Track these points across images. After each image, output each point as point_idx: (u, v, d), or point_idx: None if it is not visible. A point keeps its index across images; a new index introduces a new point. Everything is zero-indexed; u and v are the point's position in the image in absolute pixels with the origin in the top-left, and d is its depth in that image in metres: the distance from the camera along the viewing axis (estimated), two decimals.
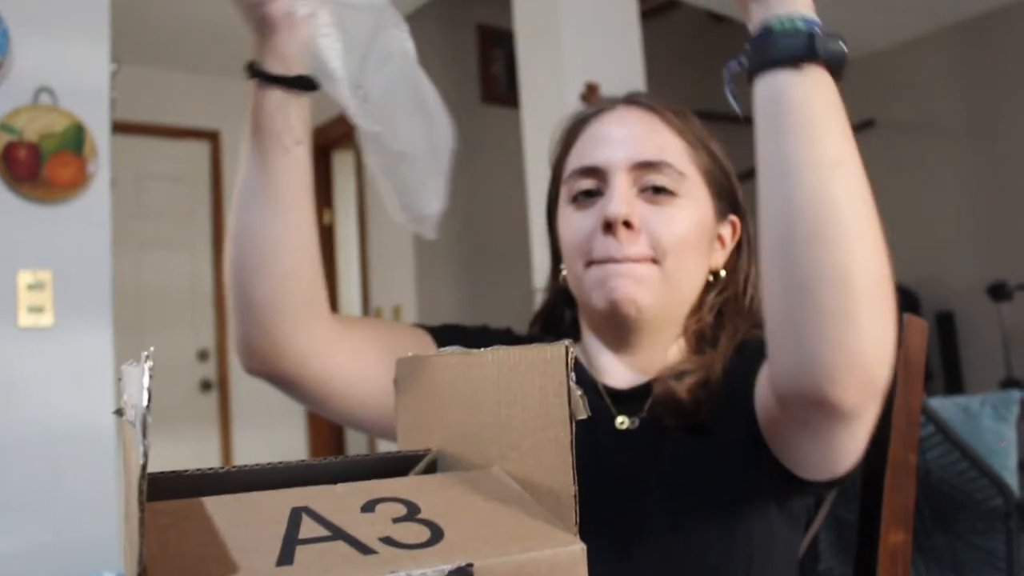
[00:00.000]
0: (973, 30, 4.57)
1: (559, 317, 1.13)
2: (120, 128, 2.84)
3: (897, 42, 4.87)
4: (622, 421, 0.99)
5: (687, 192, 0.97)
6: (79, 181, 2.34)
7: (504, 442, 0.54)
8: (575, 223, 1.00)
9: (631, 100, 1.03)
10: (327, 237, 5.44)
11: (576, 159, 1.02)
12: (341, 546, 0.41)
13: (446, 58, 4.54)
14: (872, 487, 1.00)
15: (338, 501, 0.46)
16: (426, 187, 0.88)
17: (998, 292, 4.08)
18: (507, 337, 1.10)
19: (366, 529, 0.43)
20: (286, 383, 0.95)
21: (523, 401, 0.52)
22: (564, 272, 1.05)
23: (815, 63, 0.70)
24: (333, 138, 5.19)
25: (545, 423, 0.50)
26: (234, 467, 0.53)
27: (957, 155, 4.63)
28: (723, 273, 1.04)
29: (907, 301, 4.43)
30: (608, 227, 0.94)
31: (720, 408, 0.93)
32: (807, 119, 0.70)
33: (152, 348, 0.38)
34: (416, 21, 4.45)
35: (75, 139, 2.34)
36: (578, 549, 0.44)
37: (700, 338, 1.02)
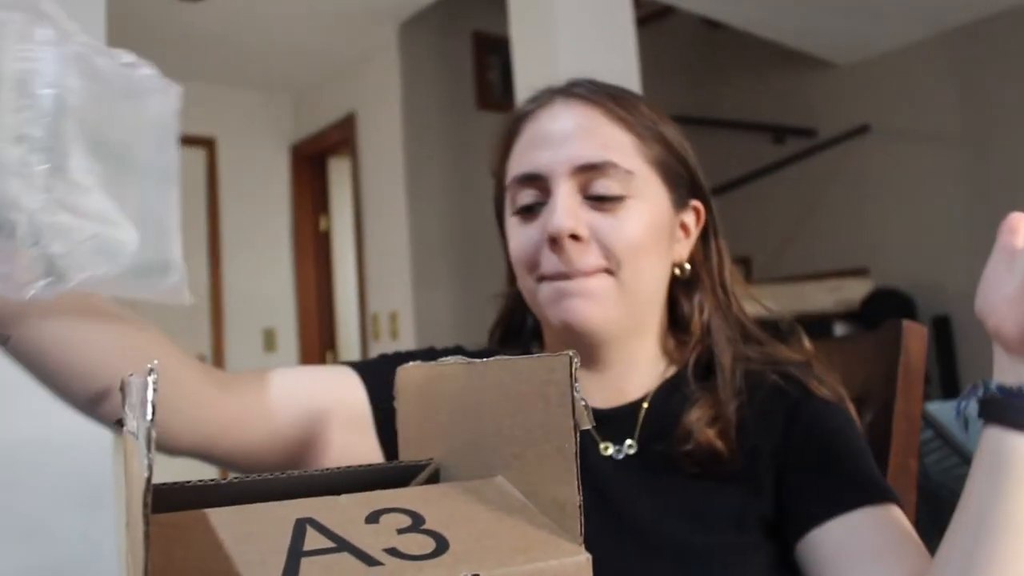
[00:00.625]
0: (967, 36, 4.59)
1: (519, 325, 1.06)
2: None
3: (891, 48, 4.88)
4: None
5: (637, 191, 0.90)
6: None
7: (507, 452, 0.54)
8: (521, 236, 0.93)
9: (570, 92, 0.94)
10: (323, 244, 5.44)
11: (515, 165, 0.94)
12: (346, 558, 0.41)
13: (442, 65, 4.54)
14: None
15: (342, 512, 0.46)
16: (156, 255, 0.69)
17: None
18: (458, 354, 1.00)
19: (371, 540, 0.43)
20: (206, 460, 0.85)
21: (526, 411, 0.52)
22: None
23: None
24: (329, 144, 5.19)
25: (549, 433, 0.50)
26: (236, 478, 0.53)
27: (952, 160, 4.64)
28: (687, 266, 0.98)
29: (904, 306, 4.44)
30: (554, 242, 0.88)
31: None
32: None
33: (156, 361, 0.38)
34: (411, 27, 4.47)
35: None
36: (583, 559, 0.44)
37: (682, 342, 0.97)
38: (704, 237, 1.00)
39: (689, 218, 0.98)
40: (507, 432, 0.54)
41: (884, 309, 4.31)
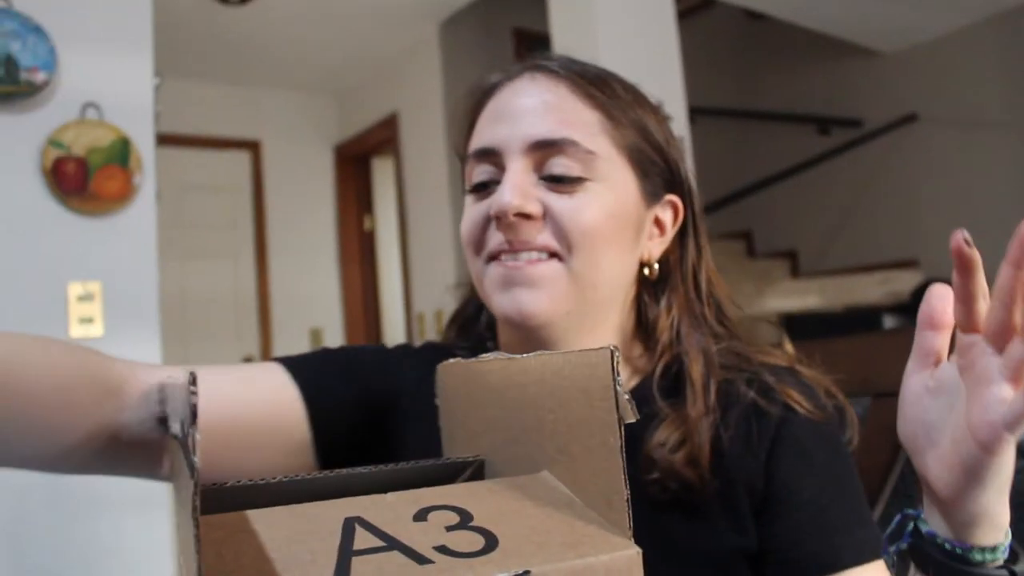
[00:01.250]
0: (1015, 20, 4.49)
1: (474, 318, 0.98)
2: (163, 140, 2.88)
3: (938, 35, 4.79)
4: None
5: (599, 174, 0.81)
6: (125, 194, 2.38)
7: (551, 447, 0.54)
8: (470, 213, 0.85)
9: (538, 66, 0.86)
10: (368, 244, 5.48)
11: (474, 140, 0.87)
12: (397, 556, 0.41)
13: (483, 62, 4.55)
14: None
15: (390, 510, 0.47)
16: None
17: None
18: (431, 349, 0.96)
19: (420, 538, 0.43)
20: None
21: (567, 406, 0.52)
22: None
23: None
24: (372, 144, 5.23)
25: (593, 428, 0.50)
26: (283, 477, 0.53)
27: (1002, 147, 4.55)
28: (656, 266, 0.89)
29: None
30: (500, 219, 0.80)
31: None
32: None
33: (194, 371, 0.39)
34: (452, 25, 4.48)
35: (121, 153, 2.38)
36: (634, 553, 0.44)
37: (649, 350, 0.89)
38: (682, 235, 0.91)
39: (665, 214, 0.89)
40: (550, 427, 0.54)
41: None
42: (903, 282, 4.64)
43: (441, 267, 4.43)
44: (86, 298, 2.30)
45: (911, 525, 0.63)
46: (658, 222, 0.88)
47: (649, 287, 0.89)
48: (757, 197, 4.95)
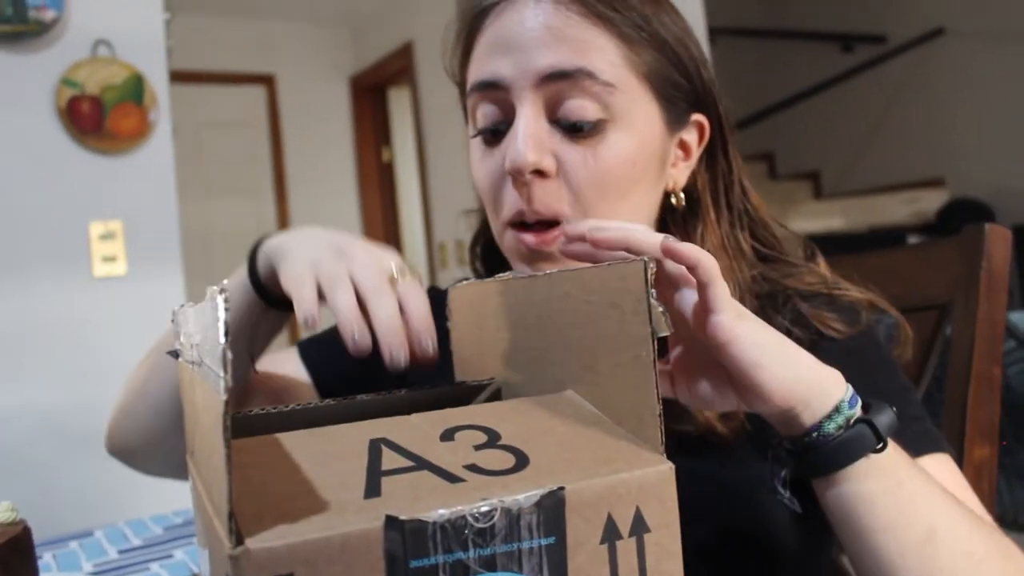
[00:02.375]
0: None
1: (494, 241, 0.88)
2: (177, 77, 2.85)
3: None
4: None
5: (620, 111, 0.74)
6: (142, 131, 2.37)
7: (576, 365, 0.53)
8: (482, 167, 0.79)
9: None
10: (387, 175, 5.45)
11: (475, 70, 0.78)
12: (427, 475, 0.41)
13: None
14: (955, 402, 0.97)
15: (415, 431, 0.46)
16: None
17: None
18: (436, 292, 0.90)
19: (449, 458, 0.43)
20: None
21: (596, 322, 0.51)
22: None
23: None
24: (388, 75, 5.17)
25: (624, 343, 0.48)
26: (298, 405, 0.53)
27: None
28: (682, 195, 0.81)
29: (982, 215, 4.30)
30: (515, 178, 0.74)
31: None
32: (890, 510, 0.58)
33: (225, 281, 0.38)
34: None
35: (135, 90, 2.36)
36: (667, 468, 0.43)
37: None
38: (710, 154, 0.83)
39: (690, 136, 0.81)
40: (575, 345, 0.53)
41: (962, 219, 4.18)
42: (929, 201, 4.58)
43: (461, 196, 4.41)
44: (108, 237, 2.31)
45: (773, 451, 0.61)
46: (683, 144, 0.81)
47: (677, 215, 0.82)
48: (779, 118, 4.87)
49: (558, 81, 0.72)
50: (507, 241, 0.78)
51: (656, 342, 0.47)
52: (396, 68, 5.00)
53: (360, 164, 5.43)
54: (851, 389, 0.58)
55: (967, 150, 4.63)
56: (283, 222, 5.15)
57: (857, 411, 0.57)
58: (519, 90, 0.74)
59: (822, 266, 0.85)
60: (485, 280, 0.62)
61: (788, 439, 0.58)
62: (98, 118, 2.31)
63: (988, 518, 0.68)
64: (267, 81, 5.22)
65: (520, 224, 0.76)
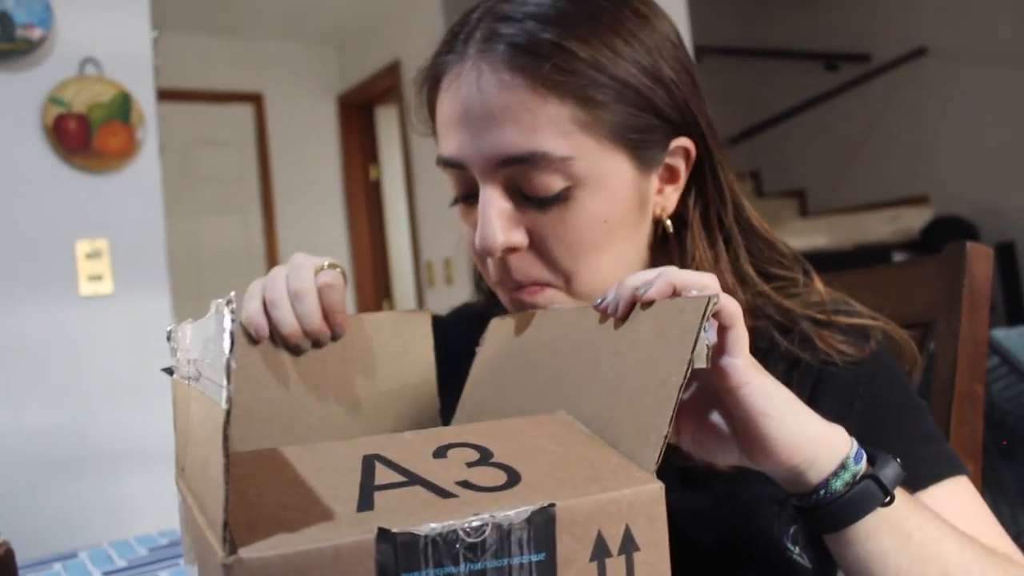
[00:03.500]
0: None
1: None
2: (164, 96, 2.86)
3: None
4: None
5: (584, 177, 0.71)
6: (129, 149, 2.37)
7: (600, 390, 0.53)
8: (466, 229, 0.79)
9: (488, 48, 0.72)
10: (375, 193, 5.46)
11: (440, 138, 0.77)
12: (420, 491, 0.41)
13: None
14: (939, 419, 0.98)
15: (408, 448, 0.47)
16: None
17: None
18: (465, 312, 0.97)
19: (442, 474, 0.43)
20: None
21: (636, 350, 0.52)
22: None
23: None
24: (376, 93, 5.18)
25: (655, 370, 0.49)
26: None
27: (1014, 80, 4.48)
28: (668, 223, 0.79)
29: (966, 233, 4.33)
30: (489, 258, 0.75)
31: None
32: (902, 563, 0.58)
33: (232, 294, 0.38)
34: None
35: (122, 108, 2.36)
36: (657, 488, 0.44)
37: None
38: (698, 173, 0.79)
39: (675, 160, 0.78)
40: (604, 370, 0.54)
41: (945, 237, 4.21)
42: (913, 219, 4.61)
43: (449, 214, 4.39)
44: (94, 255, 2.30)
45: (781, 509, 0.61)
46: (669, 169, 0.78)
47: (672, 240, 0.80)
48: (764, 136, 4.90)
49: (515, 164, 0.70)
50: (500, 296, 0.79)
51: (689, 373, 0.47)
52: (383, 87, 5.02)
53: (348, 182, 5.44)
54: (856, 444, 0.58)
55: (950, 168, 4.67)
56: (271, 241, 5.14)
57: (863, 466, 0.57)
58: (479, 172, 0.72)
59: (818, 284, 0.83)
60: (532, 311, 0.65)
61: (795, 496, 0.58)
62: (85, 136, 2.31)
63: (1006, 541, 0.69)
64: (255, 100, 5.22)
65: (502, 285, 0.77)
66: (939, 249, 1.00)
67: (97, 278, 2.30)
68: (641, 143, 0.73)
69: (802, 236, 4.80)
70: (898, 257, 4.35)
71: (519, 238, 0.73)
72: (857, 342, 0.77)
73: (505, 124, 0.70)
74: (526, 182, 0.71)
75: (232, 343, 0.35)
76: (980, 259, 0.98)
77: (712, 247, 0.79)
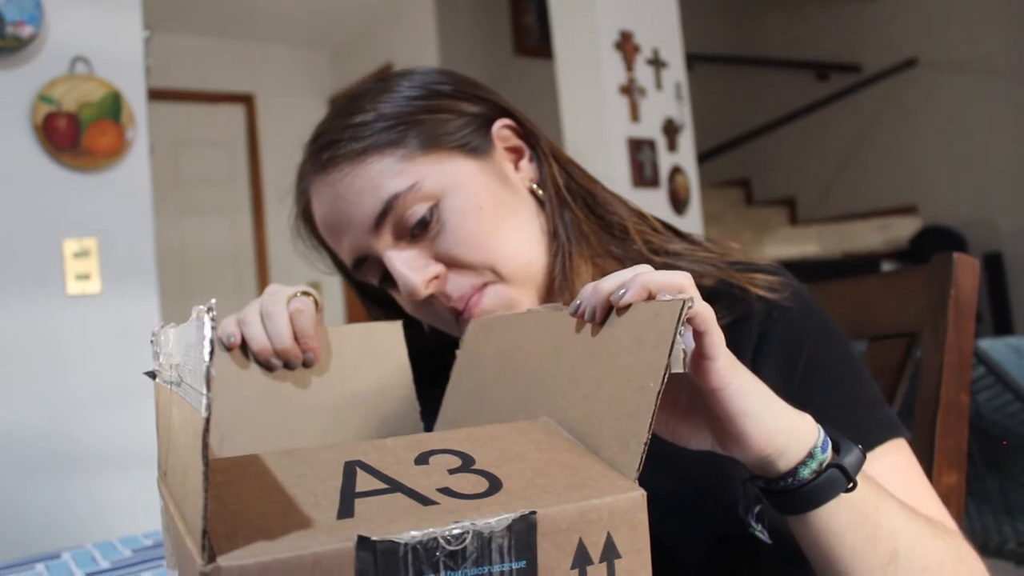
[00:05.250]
0: None
1: None
2: (155, 95, 2.85)
3: None
4: None
5: (437, 189, 0.80)
6: (118, 149, 2.36)
7: (577, 395, 0.54)
8: (404, 304, 0.86)
9: (318, 164, 0.84)
10: None
11: (342, 255, 0.87)
12: (400, 498, 0.41)
13: (478, 11, 4.49)
14: (924, 429, 0.99)
15: (390, 454, 0.47)
16: None
17: None
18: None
19: (423, 481, 0.43)
20: None
21: (617, 355, 0.52)
22: None
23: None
24: None
25: (633, 375, 0.49)
26: None
27: (1003, 92, 4.51)
28: (539, 190, 0.87)
29: (954, 243, 4.35)
30: (428, 299, 0.82)
31: None
32: (857, 539, 0.61)
33: (213, 300, 0.38)
34: None
35: (112, 107, 2.35)
36: (638, 495, 0.44)
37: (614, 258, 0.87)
38: (528, 144, 0.89)
39: (509, 139, 0.88)
40: (582, 374, 0.54)
41: (933, 247, 4.23)
42: (902, 228, 4.64)
43: None
44: (82, 255, 2.29)
45: (746, 488, 0.62)
46: (512, 150, 0.88)
47: (555, 205, 0.87)
48: (755, 144, 4.92)
49: (385, 218, 0.80)
50: (458, 330, 0.83)
51: (666, 377, 0.47)
52: None
53: None
54: (823, 432, 0.60)
55: (939, 178, 4.70)
56: (260, 242, 5.13)
57: (829, 455, 0.59)
58: (371, 247, 0.82)
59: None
60: (508, 313, 0.67)
61: (762, 479, 0.60)
62: (74, 135, 2.30)
63: (939, 507, 0.74)
64: (246, 100, 5.22)
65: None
66: (927, 258, 1.00)
67: (85, 277, 2.29)
68: (461, 141, 0.83)
69: (792, 244, 4.82)
70: (887, 266, 4.37)
71: (433, 268, 0.81)
72: (771, 278, 0.81)
73: (361, 201, 0.80)
74: (403, 224, 0.80)
75: (212, 350, 0.35)
76: (966, 270, 0.99)
77: (576, 205, 0.86)
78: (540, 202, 0.87)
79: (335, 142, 0.83)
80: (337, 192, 0.82)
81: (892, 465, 0.74)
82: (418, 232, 0.80)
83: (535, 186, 0.87)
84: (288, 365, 0.73)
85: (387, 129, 0.81)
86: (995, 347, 2.13)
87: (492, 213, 0.81)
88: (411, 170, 0.80)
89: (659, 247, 0.86)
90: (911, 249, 4.51)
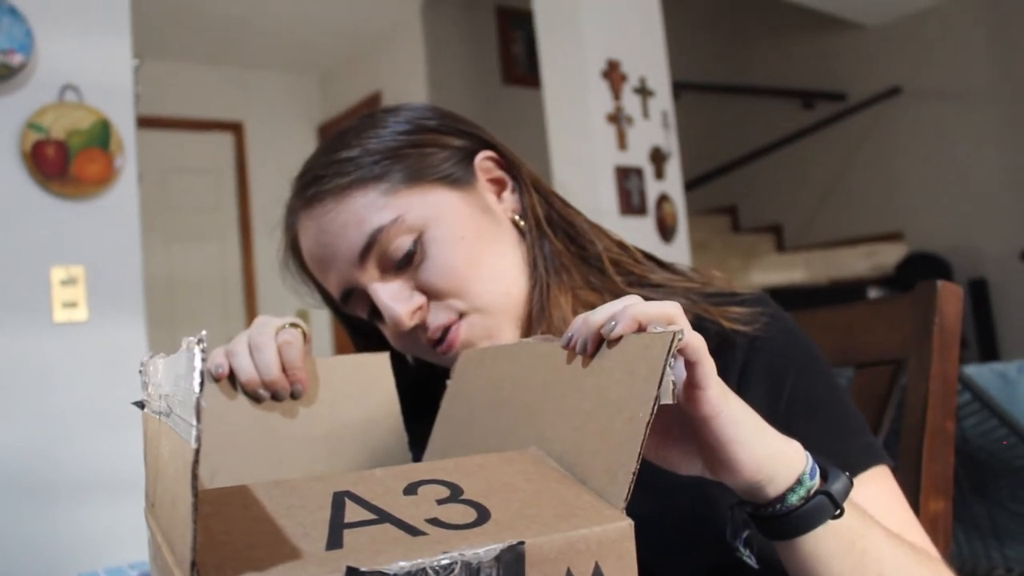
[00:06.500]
0: None
1: None
2: (144, 123, 2.86)
3: (922, 7, 4.79)
4: None
5: (420, 222, 0.81)
6: (107, 176, 2.36)
7: (566, 427, 0.54)
8: (390, 337, 0.88)
9: (304, 200, 0.85)
10: None
11: (330, 289, 0.88)
12: (389, 529, 0.41)
13: (466, 40, 4.52)
14: (910, 456, 0.99)
15: (379, 485, 0.47)
16: None
17: None
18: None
19: (412, 511, 0.43)
20: None
21: (603, 386, 0.52)
22: None
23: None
24: None
25: (623, 406, 0.49)
26: None
27: (987, 120, 4.56)
28: (521, 222, 0.88)
29: (939, 269, 4.38)
30: (412, 331, 0.83)
31: None
32: (844, 567, 0.61)
33: (204, 332, 0.39)
34: (434, 3, 4.45)
35: (101, 135, 2.36)
36: (626, 525, 0.44)
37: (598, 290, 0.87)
38: (512, 177, 0.90)
39: (492, 171, 0.89)
40: (572, 406, 0.54)
41: (919, 273, 4.26)
42: (888, 255, 4.66)
43: None
44: (69, 282, 2.28)
45: (735, 514, 0.62)
46: (494, 182, 0.89)
47: (535, 237, 0.88)
48: (742, 172, 4.95)
49: (369, 252, 0.81)
50: (440, 361, 0.84)
51: (656, 408, 0.48)
52: None
53: None
54: (811, 459, 0.60)
55: (925, 205, 4.73)
56: (248, 270, 5.12)
57: (817, 482, 0.60)
58: (359, 279, 0.83)
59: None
60: (504, 344, 0.67)
61: (751, 505, 0.61)
62: (63, 163, 2.30)
63: (920, 533, 0.74)
64: (235, 128, 5.23)
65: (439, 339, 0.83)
66: (914, 284, 1.01)
67: (72, 305, 2.29)
68: (445, 174, 0.84)
69: (778, 271, 4.84)
70: (873, 292, 4.39)
71: (417, 299, 0.82)
72: (751, 310, 0.81)
73: (345, 235, 0.82)
74: (388, 257, 0.81)
75: (202, 382, 0.36)
76: (950, 298, 1.00)
77: (557, 236, 0.87)
78: (522, 233, 0.88)
79: (320, 177, 0.84)
80: (322, 227, 0.83)
81: (875, 492, 0.75)
82: (403, 264, 0.81)
83: (517, 217, 0.88)
84: (276, 397, 0.73)
85: (372, 164, 0.82)
86: (981, 373, 2.14)
87: (473, 243, 0.83)
88: (394, 203, 0.81)
89: (638, 278, 0.87)
90: (897, 275, 4.54)
